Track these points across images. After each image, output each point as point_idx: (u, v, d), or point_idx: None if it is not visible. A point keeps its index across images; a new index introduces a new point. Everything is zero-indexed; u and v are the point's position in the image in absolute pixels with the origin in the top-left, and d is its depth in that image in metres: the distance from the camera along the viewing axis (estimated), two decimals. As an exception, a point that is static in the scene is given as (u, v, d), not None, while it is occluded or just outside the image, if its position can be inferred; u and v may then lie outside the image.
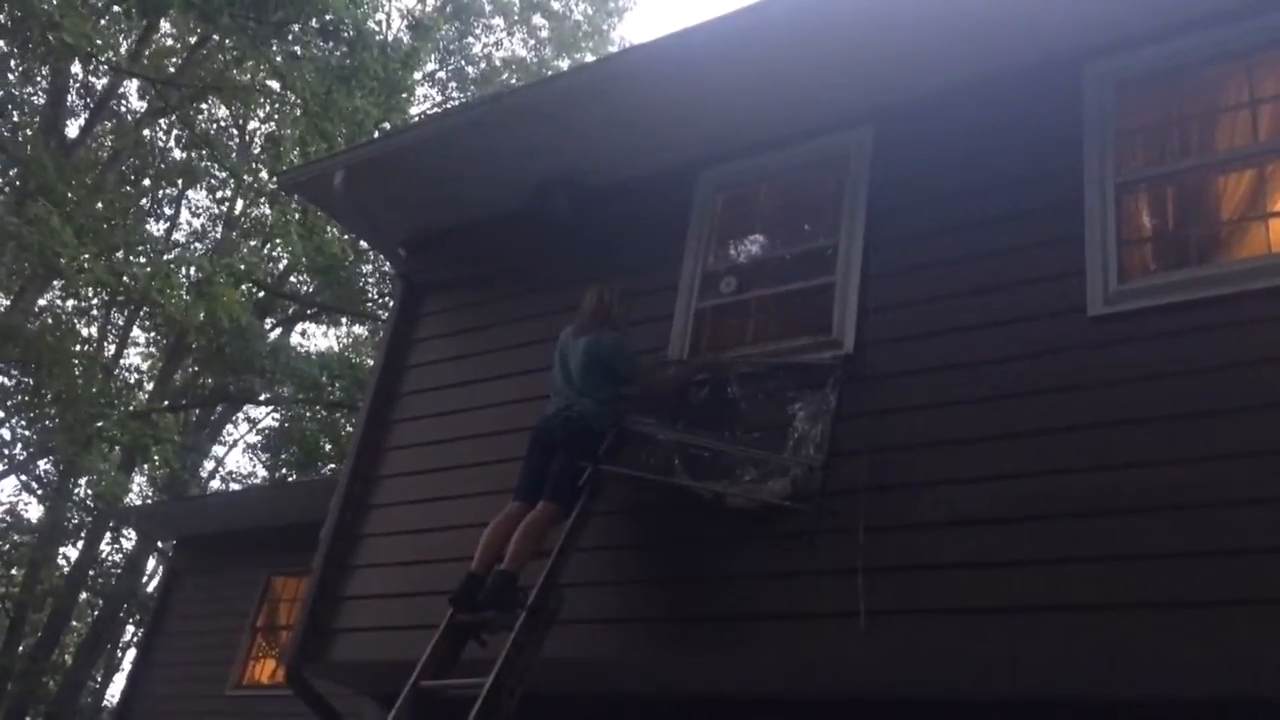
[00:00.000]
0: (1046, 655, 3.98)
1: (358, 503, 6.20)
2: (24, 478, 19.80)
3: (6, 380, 16.55)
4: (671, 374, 5.37)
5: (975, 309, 4.59)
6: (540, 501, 4.85)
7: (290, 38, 15.99)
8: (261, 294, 20.28)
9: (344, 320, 23.99)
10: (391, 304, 7.65)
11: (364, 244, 20.51)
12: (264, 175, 19.05)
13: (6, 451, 17.89)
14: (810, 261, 5.37)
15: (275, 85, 17.88)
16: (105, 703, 22.40)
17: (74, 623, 21.80)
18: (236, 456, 54.23)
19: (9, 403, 16.73)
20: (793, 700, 4.81)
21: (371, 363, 21.05)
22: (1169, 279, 4.32)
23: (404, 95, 18.70)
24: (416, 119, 17.40)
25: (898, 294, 4.87)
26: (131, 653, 21.66)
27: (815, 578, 4.44)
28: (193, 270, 15.61)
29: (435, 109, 22.31)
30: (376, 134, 14.74)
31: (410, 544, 5.80)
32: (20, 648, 19.28)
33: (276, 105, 18.46)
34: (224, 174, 19.67)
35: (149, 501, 19.36)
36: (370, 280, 21.71)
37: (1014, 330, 4.45)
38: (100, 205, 15.61)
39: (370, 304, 21.85)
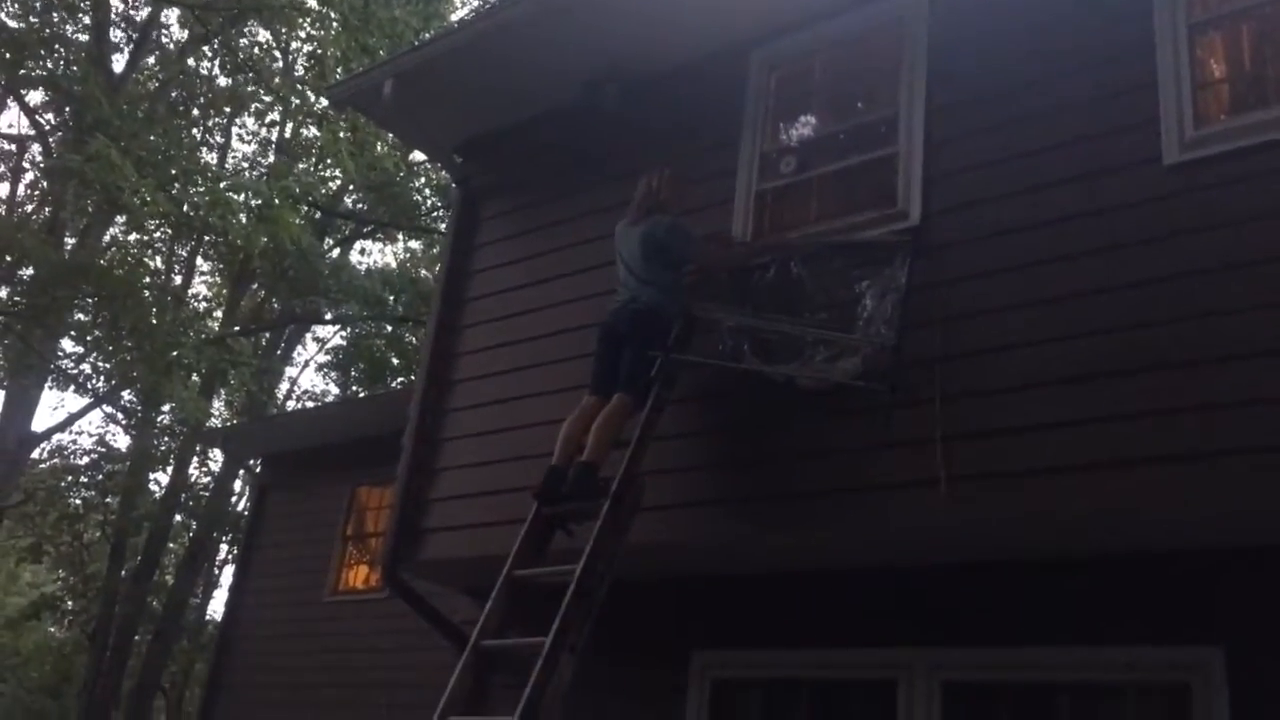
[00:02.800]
0: (1130, 511, 3.98)
1: (435, 408, 6.32)
2: (109, 409, 20.47)
3: (83, 316, 16.97)
4: (732, 252, 5.35)
5: (1045, 167, 4.48)
6: (615, 394, 4.91)
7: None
8: (319, 215, 20.44)
9: (400, 236, 24.14)
10: (450, 212, 7.66)
11: (417, 156, 20.56)
12: (310, 96, 19.03)
13: (90, 385, 18.43)
14: (871, 134, 5.27)
15: (314, 2, 17.74)
16: (208, 618, 23.44)
17: (171, 545, 22.68)
18: (309, 376, 55.30)
19: (88, 338, 17.18)
20: (874, 571, 4.88)
21: (430, 276, 21.34)
22: (1247, 121, 4.17)
23: (443, 1, 18.46)
24: (459, 22, 17.18)
25: (963, 159, 4.77)
26: (228, 570, 22.62)
27: (892, 450, 4.46)
28: (251, 196, 15.75)
29: (475, 14, 21.97)
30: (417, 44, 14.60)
31: (490, 444, 5.92)
32: (123, 571, 20.18)
33: (317, 25, 18.33)
34: (270, 99, 19.69)
35: (232, 423, 19.93)
36: (424, 195, 21.76)
37: (1087, 185, 4.34)
38: (155, 137, 15.73)
39: (425, 218, 21.93)
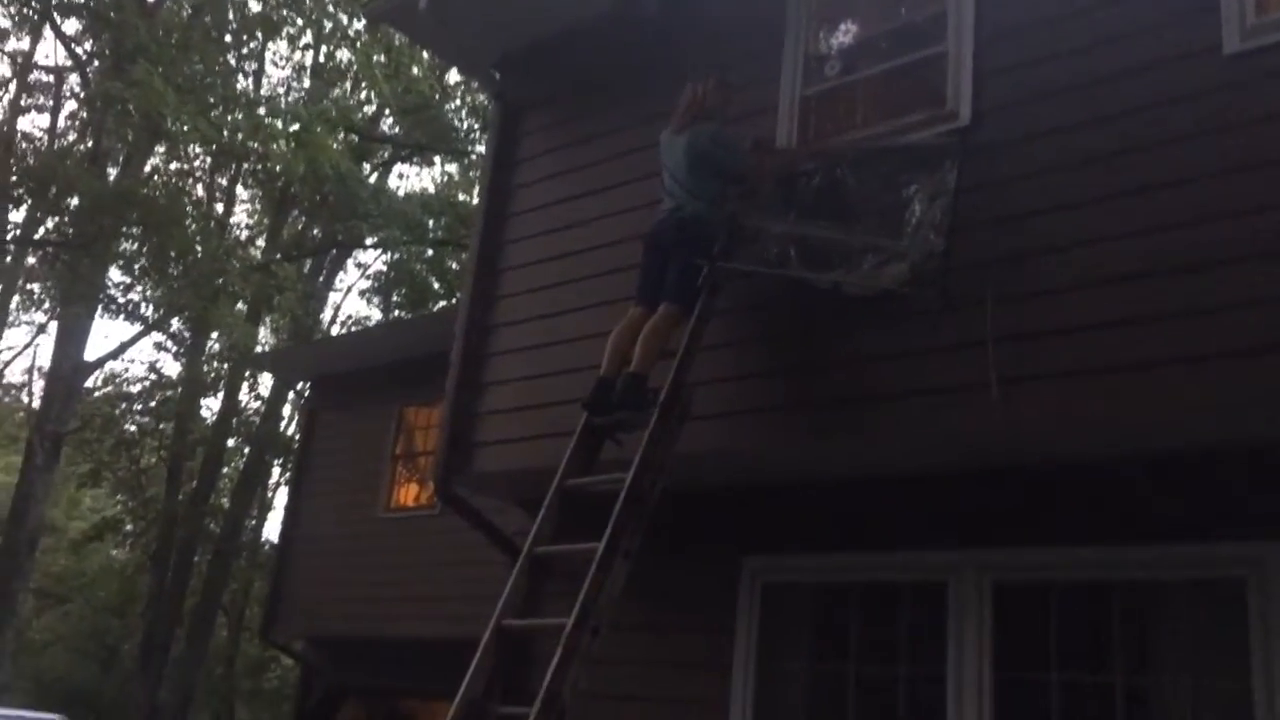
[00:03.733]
0: (1187, 408, 3.95)
1: (481, 324, 6.36)
2: (159, 337, 20.82)
3: (129, 245, 17.17)
4: (777, 159, 5.28)
5: (1099, 60, 4.37)
6: (661, 304, 4.92)
7: None
8: (356, 139, 20.42)
9: (437, 159, 24.08)
10: (488, 130, 7.63)
11: (452, 78, 20.40)
12: (343, 19, 18.88)
13: (140, 313, 18.72)
14: (918, 33, 5.15)
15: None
16: (264, 538, 24.08)
17: (225, 469, 23.21)
18: (352, 302, 55.94)
19: (135, 266, 17.42)
20: (923, 476, 4.89)
21: (469, 200, 21.30)
22: (1312, 7, 4.03)
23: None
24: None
25: (1014, 56, 4.65)
26: (282, 492, 23.11)
27: (943, 354, 4.44)
28: (289, 120, 15.75)
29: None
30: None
31: (537, 358, 5.96)
32: (180, 495, 20.70)
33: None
34: (301, 22, 19.55)
35: (279, 348, 20.19)
36: (460, 117, 21.64)
37: (1143, 78, 4.23)
38: (191, 66, 15.73)
39: (461, 141, 21.83)
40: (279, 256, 20.02)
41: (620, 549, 4.32)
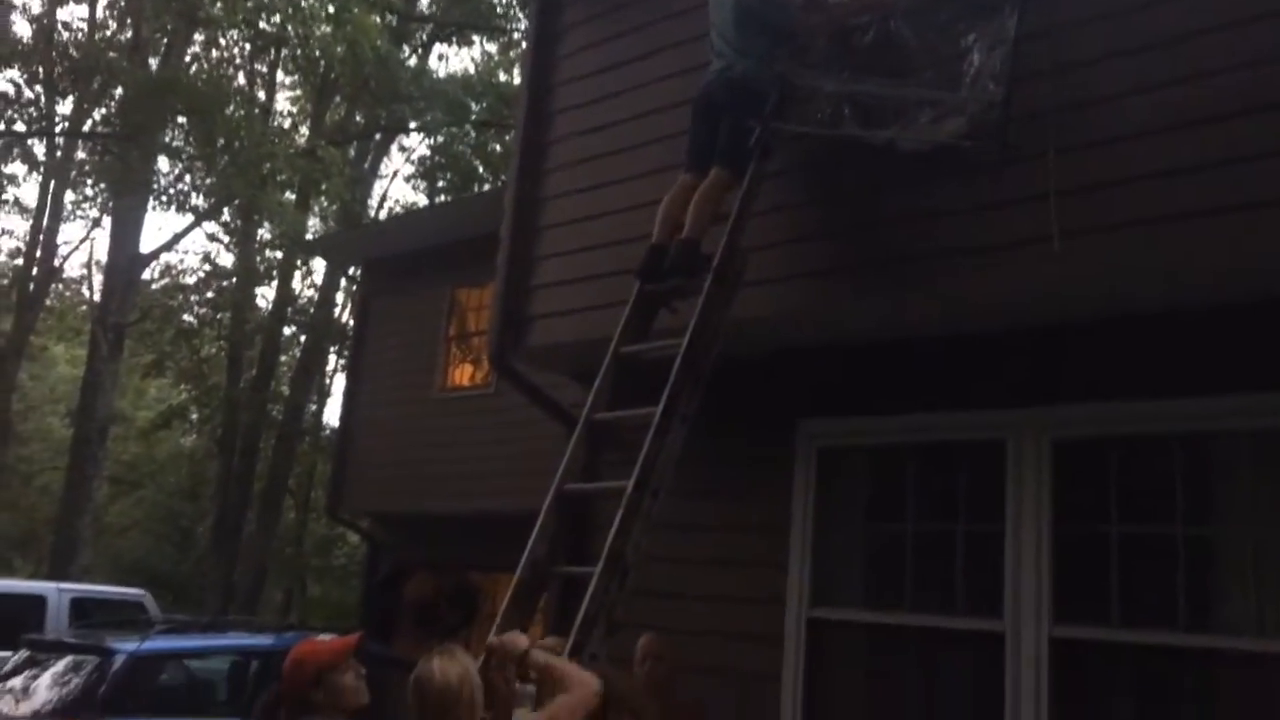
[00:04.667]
0: (1251, 256, 3.86)
1: (531, 198, 6.32)
2: (212, 228, 21.03)
3: (175, 134, 17.21)
4: (828, 14, 5.11)
5: (1167, -106, 4.13)
6: (712, 168, 4.84)
7: None
8: (394, 19, 20.10)
9: (476, 39, 23.67)
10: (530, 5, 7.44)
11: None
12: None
13: (190, 204, 18.87)
14: (975, -127, 4.89)
15: None
16: (325, 422, 24.66)
17: (283, 357, 23.67)
18: (398, 188, 55.93)
19: (183, 155, 17.49)
20: (981, 335, 4.84)
21: (509, 79, 20.97)
22: None
23: None
24: None
25: (1078, -107, 4.41)
26: (339, 378, 23.56)
27: (1002, 208, 4.34)
28: (327, 1, 15.51)
29: None
30: None
31: (588, 229, 5.92)
32: (241, 382, 21.19)
33: None
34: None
35: (330, 233, 20.31)
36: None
37: (1213, -90, 4.00)
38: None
39: (500, 18, 21.41)
40: (323, 142, 20.00)
41: (678, 413, 4.35)
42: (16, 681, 7.03)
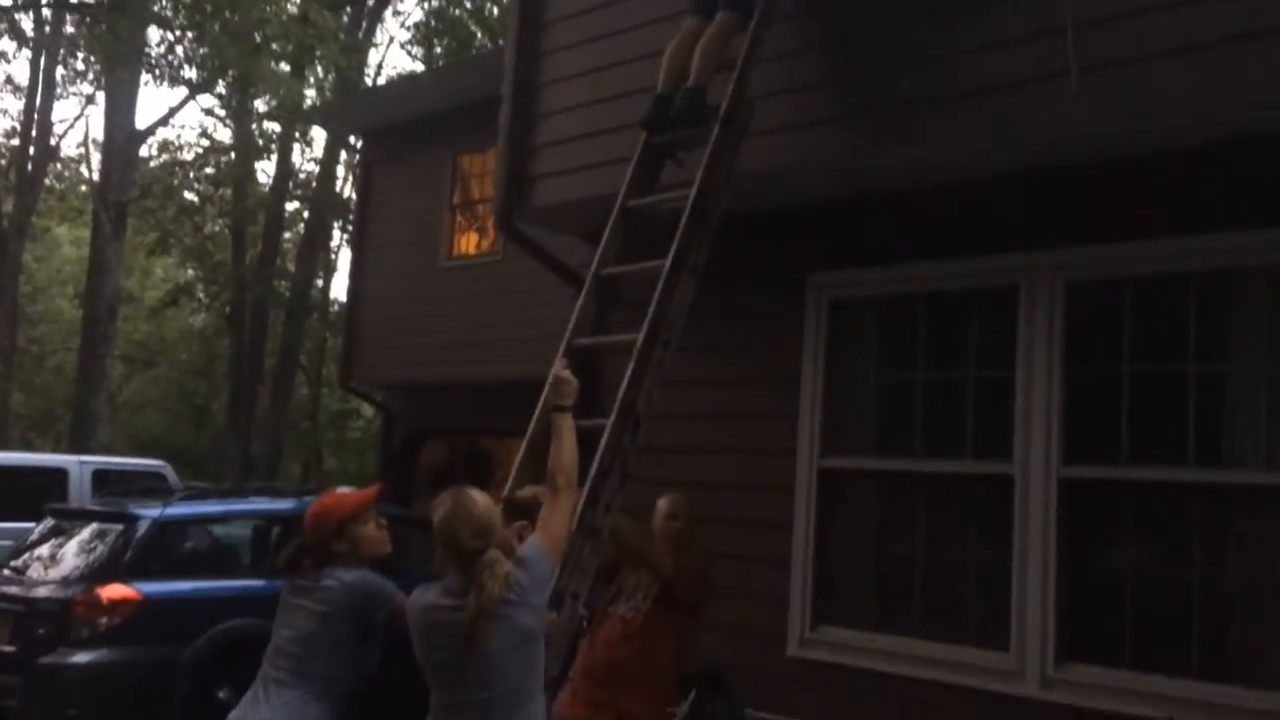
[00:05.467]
0: (1271, 86, 3.75)
1: (532, 52, 6.16)
2: (208, 102, 20.65)
3: (164, 1, 16.72)
4: None
5: None
6: (717, 13, 4.68)
7: None
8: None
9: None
10: None
11: None
12: None
13: (184, 76, 18.46)
14: None
15: None
16: (333, 297, 24.69)
17: (287, 233, 23.53)
18: (394, 56, 54.87)
19: (174, 24, 17.02)
20: (990, 180, 4.76)
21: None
22: None
23: None
24: None
25: None
26: (345, 254, 23.45)
27: (1016, 46, 4.21)
28: None
29: None
30: None
31: (591, 83, 5.78)
32: (246, 259, 21.13)
33: None
34: None
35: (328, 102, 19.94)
36: None
37: None
38: None
39: None
40: (316, 7, 19.45)
41: (686, 265, 4.31)
42: (44, 550, 7.20)
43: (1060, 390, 4.51)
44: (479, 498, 3.05)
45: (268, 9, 15.67)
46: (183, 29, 16.35)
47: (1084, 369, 4.52)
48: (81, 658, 6.31)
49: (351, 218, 17.14)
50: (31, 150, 21.39)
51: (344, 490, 4.05)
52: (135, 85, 18.65)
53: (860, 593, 5.19)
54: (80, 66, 21.25)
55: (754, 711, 5.03)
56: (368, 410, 21.81)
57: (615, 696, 3.96)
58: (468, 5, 21.13)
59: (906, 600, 5.00)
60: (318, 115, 16.44)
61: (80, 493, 9.41)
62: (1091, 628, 4.43)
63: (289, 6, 20.14)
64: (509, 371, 9.89)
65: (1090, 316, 4.54)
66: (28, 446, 20.85)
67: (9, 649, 6.51)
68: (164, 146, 23.31)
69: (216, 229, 23.24)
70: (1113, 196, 4.48)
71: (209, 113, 22.44)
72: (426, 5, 22.17)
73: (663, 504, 4.38)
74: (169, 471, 10.61)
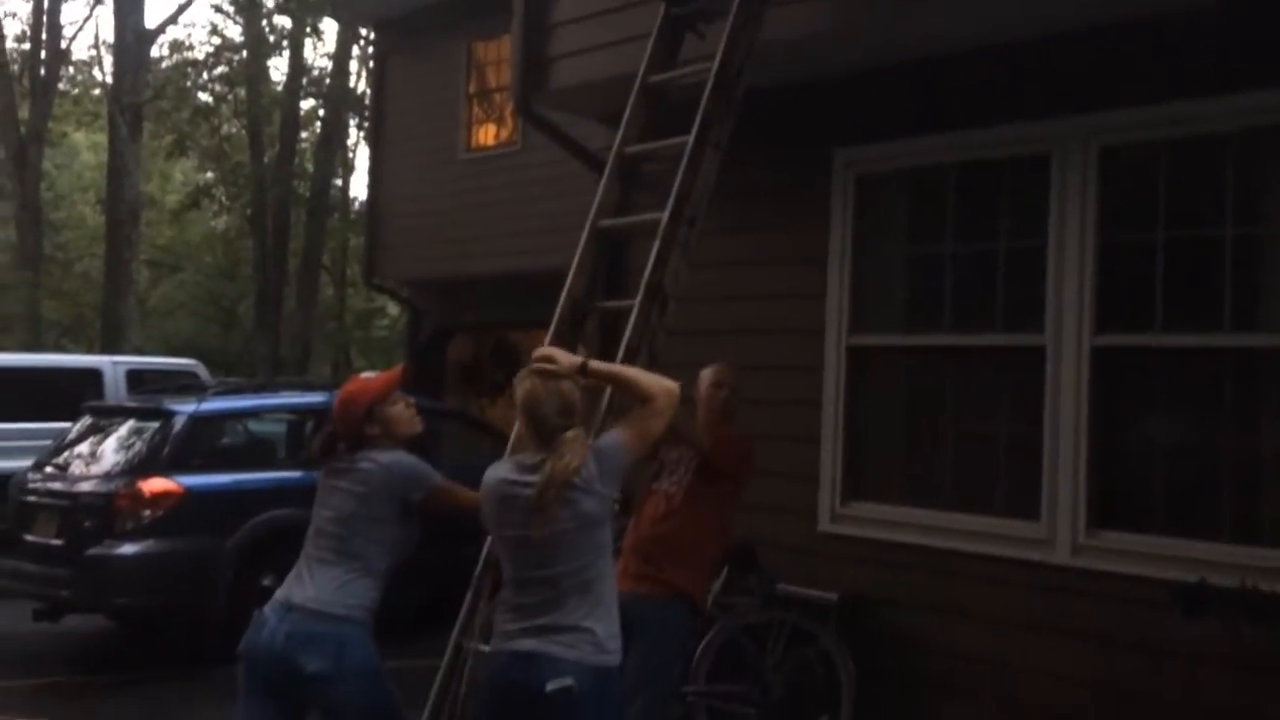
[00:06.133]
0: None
1: (545, -74, 5.98)
2: (216, -1, 20.25)
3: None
4: None
5: None
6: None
7: None
8: None
9: None
10: None
11: None
12: None
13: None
14: None
15: None
16: (353, 197, 24.59)
17: (303, 132, 23.31)
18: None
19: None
20: (1017, 45, 4.62)
21: None
22: None
23: None
24: None
25: None
26: (363, 152, 23.26)
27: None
28: None
29: None
30: None
31: (608, -44, 5.61)
32: (265, 159, 20.99)
33: None
34: None
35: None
36: None
37: None
38: None
39: None
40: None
41: (710, 140, 4.23)
42: (83, 446, 7.33)
43: (1093, 258, 4.44)
44: (560, 381, 2.98)
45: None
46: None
47: (1117, 236, 4.45)
48: (127, 549, 6.48)
49: (367, 113, 16.93)
50: (43, 54, 21.16)
51: (368, 375, 4.06)
52: (141, -17, 18.31)
53: (890, 468, 5.22)
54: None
55: (785, 586, 5.13)
56: (393, 309, 21.88)
57: (661, 570, 4.02)
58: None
59: (936, 474, 5.02)
60: (328, 6, 16.13)
61: (115, 392, 9.53)
62: (1122, 495, 4.45)
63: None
64: (532, 264, 9.86)
65: (1124, 182, 4.44)
66: (61, 352, 21.12)
67: (57, 542, 6.70)
68: (175, 47, 23.01)
69: (233, 130, 23.05)
70: (1145, 57, 4.34)
71: (218, 9, 21.98)
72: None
73: (707, 374, 4.35)
74: (201, 370, 10.72)
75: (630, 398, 3.08)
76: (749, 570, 5.13)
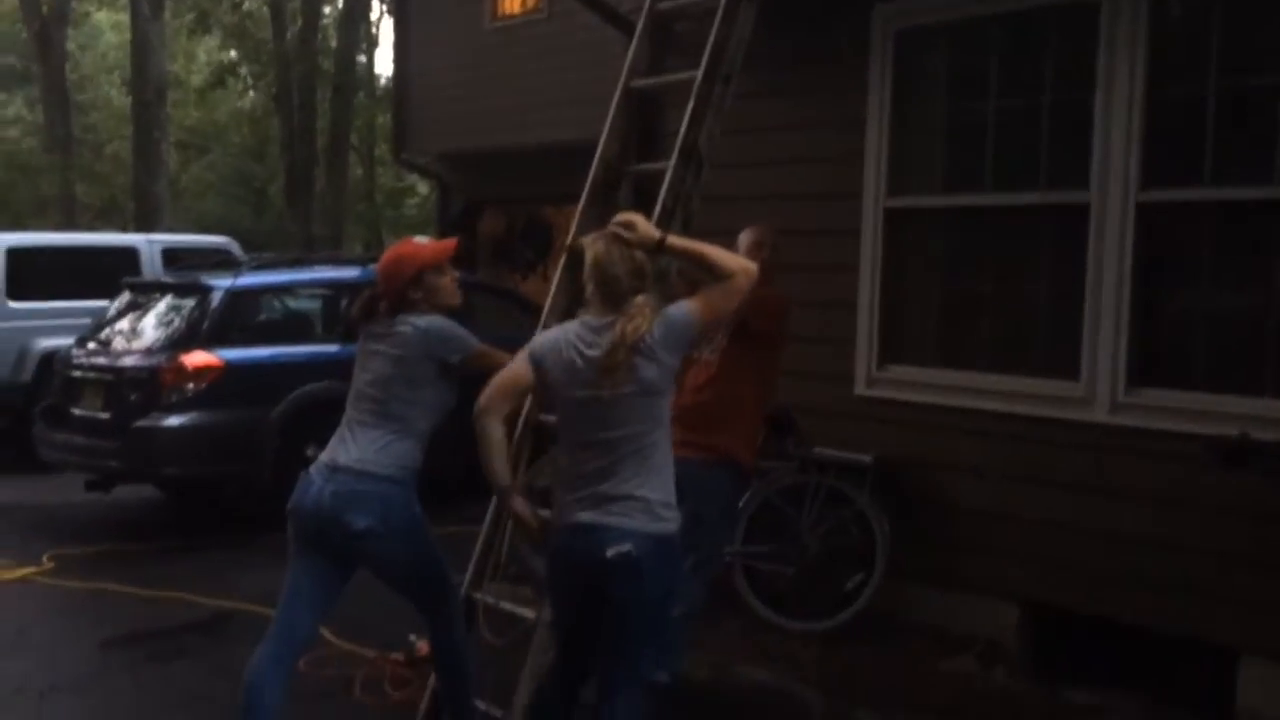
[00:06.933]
0: None
1: None
2: None
3: None
4: None
5: None
6: None
7: None
8: None
9: None
10: None
11: None
12: None
13: None
14: None
15: None
16: (378, 73, 24.24)
17: (326, 7, 22.86)
18: None
19: None
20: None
21: None
22: None
23: None
24: None
25: None
26: (386, 25, 22.84)
27: None
28: None
29: None
30: None
31: None
32: (287, 36, 20.64)
33: None
34: None
35: None
36: None
37: None
38: None
39: None
40: None
41: None
42: (124, 323, 7.42)
43: (1141, 110, 4.31)
44: (639, 222, 2.97)
45: None
46: None
47: (1167, 87, 4.30)
48: (173, 421, 6.61)
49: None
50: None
51: (420, 239, 4.03)
52: None
53: (928, 330, 5.18)
54: None
55: (821, 449, 5.16)
56: (423, 188, 21.74)
57: (706, 437, 4.04)
58: None
59: (975, 335, 4.99)
60: None
61: (151, 270, 9.58)
62: (1164, 353, 4.41)
63: None
64: (563, 135, 9.70)
65: (1175, 29, 4.27)
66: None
67: (104, 415, 6.85)
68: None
69: (254, 6, 22.64)
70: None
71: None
72: None
73: (748, 235, 4.28)
74: (234, 247, 10.74)
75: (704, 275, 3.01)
76: (786, 434, 5.17)
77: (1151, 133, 4.31)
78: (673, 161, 4.05)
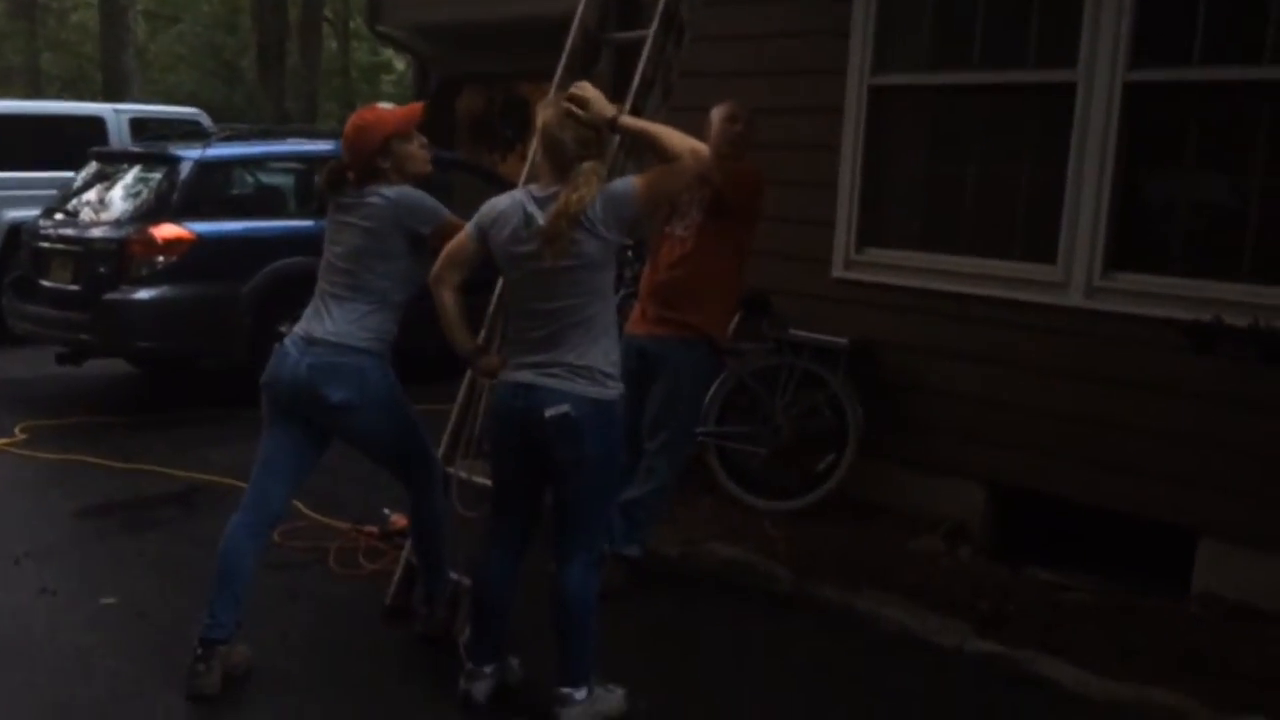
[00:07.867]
0: None
1: None
2: None
3: None
4: None
5: None
6: None
7: None
8: None
9: None
10: None
11: None
12: None
13: None
14: None
15: None
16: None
17: None
18: None
19: None
20: None
21: None
22: None
23: None
24: None
25: None
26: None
27: None
28: None
29: None
30: None
31: None
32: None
33: None
34: None
35: None
36: None
37: None
38: None
39: None
40: None
41: None
42: (91, 195, 7.25)
43: None
44: (593, 98, 2.92)
45: None
46: None
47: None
48: (144, 294, 6.51)
49: None
50: None
51: (385, 106, 3.92)
52: None
53: (908, 213, 5.13)
54: None
55: (797, 331, 5.15)
56: (400, 64, 21.19)
57: (679, 312, 4.05)
58: None
59: (954, 218, 4.94)
60: None
61: (119, 140, 9.34)
62: (1142, 237, 4.38)
63: None
64: (542, 9, 9.38)
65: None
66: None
67: (74, 288, 6.73)
68: None
69: None
70: None
71: None
72: None
73: (720, 109, 4.24)
74: (204, 118, 10.46)
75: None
76: (761, 316, 5.15)
77: (1142, 7, 4.20)
78: (653, 29, 3.91)
